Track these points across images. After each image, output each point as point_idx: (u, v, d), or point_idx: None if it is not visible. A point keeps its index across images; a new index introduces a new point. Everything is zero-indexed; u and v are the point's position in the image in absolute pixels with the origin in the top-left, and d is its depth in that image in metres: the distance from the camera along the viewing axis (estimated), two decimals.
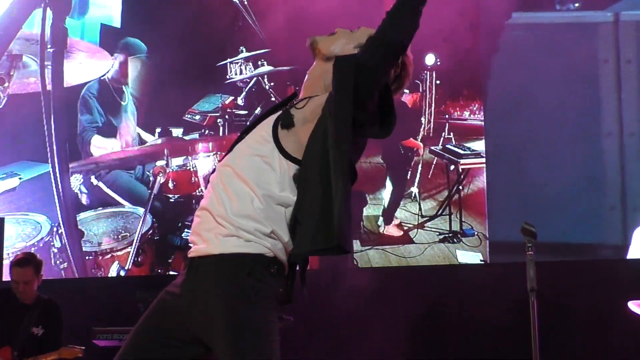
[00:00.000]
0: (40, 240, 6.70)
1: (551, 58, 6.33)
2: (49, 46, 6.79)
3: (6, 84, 6.92)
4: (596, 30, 6.40)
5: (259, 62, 6.80)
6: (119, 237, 6.72)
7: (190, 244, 2.38)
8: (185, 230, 6.58)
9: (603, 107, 6.32)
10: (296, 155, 2.30)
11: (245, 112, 6.80)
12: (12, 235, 6.61)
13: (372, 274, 6.21)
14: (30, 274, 4.88)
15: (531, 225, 3.52)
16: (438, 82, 6.44)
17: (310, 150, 2.29)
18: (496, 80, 6.39)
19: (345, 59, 2.34)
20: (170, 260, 6.65)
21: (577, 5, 6.45)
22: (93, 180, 6.81)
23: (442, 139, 6.43)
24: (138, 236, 6.59)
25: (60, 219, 6.68)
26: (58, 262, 6.67)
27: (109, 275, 6.64)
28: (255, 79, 6.80)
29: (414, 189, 6.43)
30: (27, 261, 4.93)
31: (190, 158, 6.73)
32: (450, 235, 6.30)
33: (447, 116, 6.46)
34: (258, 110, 6.70)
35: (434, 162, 6.42)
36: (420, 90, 6.46)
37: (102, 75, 6.93)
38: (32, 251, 6.48)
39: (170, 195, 6.70)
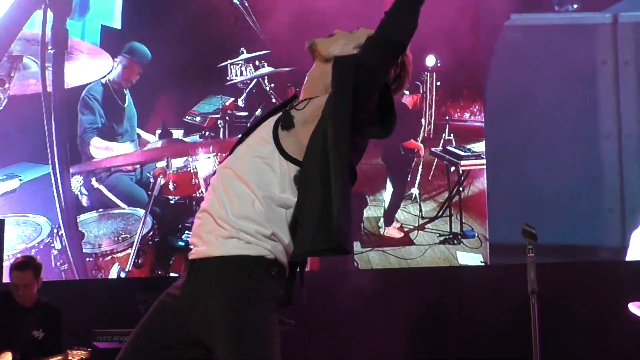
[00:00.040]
0: (40, 242, 6.70)
1: (550, 59, 6.34)
2: (49, 47, 6.79)
3: (6, 85, 6.92)
4: (594, 32, 6.41)
5: (259, 64, 6.80)
6: (120, 238, 6.71)
7: (190, 246, 2.39)
8: (186, 231, 6.58)
9: (601, 109, 6.32)
10: (296, 156, 2.31)
11: (246, 113, 6.80)
12: (12, 237, 6.61)
13: (373, 276, 6.21)
14: (29, 277, 4.86)
15: (532, 227, 3.52)
16: (438, 83, 6.44)
17: (310, 152, 2.29)
18: (496, 81, 6.40)
19: (345, 59, 2.35)
20: (170, 262, 6.65)
21: (575, 6, 6.46)
22: (94, 182, 6.81)
23: (442, 140, 6.43)
24: (138, 238, 6.59)
25: (60, 221, 6.68)
26: (58, 263, 6.67)
27: (110, 277, 6.64)
28: (255, 80, 6.80)
29: (415, 191, 6.43)
30: (26, 264, 4.91)
31: (190, 159, 6.73)
32: (450, 236, 6.30)
33: (447, 117, 6.46)
34: (258, 112, 6.71)
35: (435, 164, 6.42)
36: (421, 91, 6.46)
37: (103, 77, 6.93)
38: (33, 253, 6.49)
39: (171, 197, 6.70)
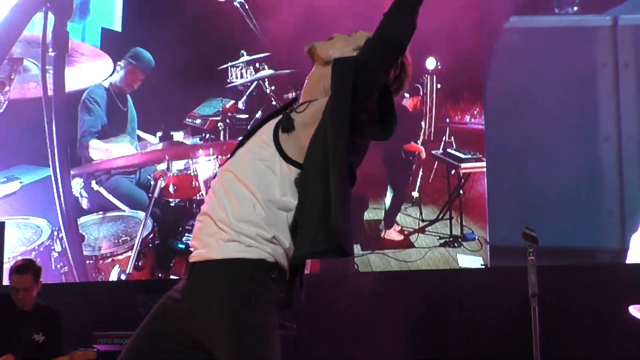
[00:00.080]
0: (40, 245, 6.70)
1: (550, 62, 6.34)
2: (50, 50, 6.79)
3: (7, 88, 6.92)
4: (594, 34, 6.41)
5: (260, 66, 6.80)
6: (120, 241, 6.71)
7: (191, 249, 2.39)
8: (186, 234, 6.58)
9: (601, 111, 6.33)
10: (297, 159, 2.31)
11: (246, 116, 6.80)
12: (12, 240, 6.61)
13: (373, 278, 6.21)
14: (29, 280, 4.86)
15: (532, 230, 3.52)
16: (439, 86, 6.45)
17: (311, 154, 2.29)
18: (496, 83, 6.40)
19: (344, 60, 2.35)
20: (171, 265, 6.65)
21: (575, 9, 6.46)
22: (94, 185, 6.81)
23: (442, 143, 6.43)
24: (139, 240, 6.59)
25: (61, 223, 6.67)
26: (59, 266, 6.67)
27: (110, 279, 6.63)
28: (256, 82, 6.80)
29: (415, 193, 6.43)
30: (26, 268, 4.91)
31: (191, 162, 6.73)
32: (451, 239, 6.30)
33: (447, 120, 6.46)
34: (259, 114, 6.71)
35: (435, 166, 6.42)
36: (421, 94, 6.46)
37: (105, 79, 6.93)
38: (33, 255, 6.49)
39: (171, 200, 6.70)
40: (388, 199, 6.46)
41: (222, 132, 6.80)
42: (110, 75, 6.92)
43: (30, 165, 6.93)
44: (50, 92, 6.77)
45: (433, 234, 6.35)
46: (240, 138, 2.47)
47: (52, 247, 6.69)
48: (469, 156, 6.37)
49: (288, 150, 2.31)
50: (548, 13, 6.49)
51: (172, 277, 6.58)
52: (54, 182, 6.70)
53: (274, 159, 2.31)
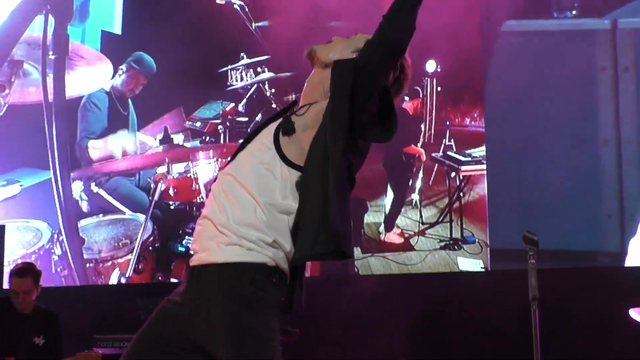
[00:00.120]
0: (41, 248, 6.69)
1: (549, 65, 6.35)
2: (50, 52, 6.78)
3: (7, 91, 6.92)
4: (594, 38, 6.42)
5: (260, 69, 6.80)
6: (120, 244, 6.71)
7: (191, 252, 2.39)
8: (186, 237, 6.58)
9: (601, 114, 6.33)
10: (298, 162, 2.31)
11: (246, 118, 6.80)
12: (13, 243, 6.60)
13: (373, 281, 6.21)
14: (29, 283, 4.86)
15: (533, 233, 3.52)
16: (439, 88, 6.45)
17: (311, 157, 2.29)
18: (495, 86, 6.41)
19: (344, 62, 2.35)
20: (171, 268, 6.64)
21: (574, 12, 6.47)
22: (93, 187, 6.80)
23: (442, 145, 6.43)
24: (139, 243, 6.58)
25: (61, 226, 6.67)
26: (59, 269, 6.66)
27: (110, 282, 6.63)
28: (256, 85, 6.80)
29: (415, 196, 6.43)
30: (26, 271, 4.91)
31: (191, 165, 6.73)
32: (451, 242, 6.30)
33: (447, 123, 6.46)
34: (259, 117, 6.71)
35: (435, 169, 6.42)
36: (421, 96, 6.47)
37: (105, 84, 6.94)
38: (33, 258, 6.48)
39: (171, 202, 6.70)
40: (388, 202, 6.46)
41: (222, 135, 6.80)
42: (112, 79, 6.91)
43: (30, 168, 6.92)
44: (50, 95, 6.76)
45: (433, 237, 6.35)
46: (241, 141, 2.47)
47: (52, 250, 6.69)
48: (469, 159, 6.37)
49: (289, 153, 2.32)
50: (547, 16, 6.50)
51: (172, 280, 6.57)
52: (54, 185, 6.69)
53: (275, 162, 2.31)
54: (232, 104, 6.83)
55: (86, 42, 7.07)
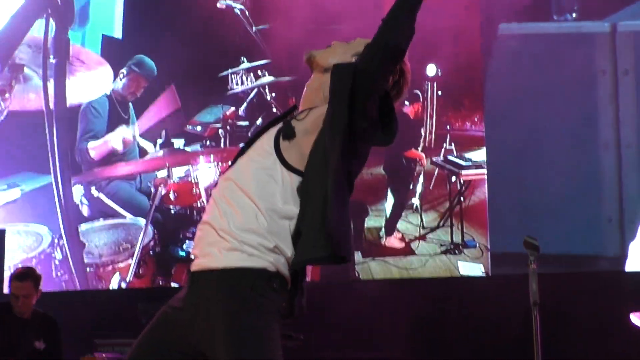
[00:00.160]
0: (41, 252, 6.69)
1: (549, 68, 6.35)
2: (51, 56, 6.78)
3: (7, 95, 6.92)
4: (594, 41, 6.42)
5: (260, 73, 6.81)
6: (120, 248, 6.71)
7: (192, 257, 2.39)
8: (187, 241, 6.58)
9: (601, 118, 6.34)
10: (299, 166, 2.31)
11: (247, 123, 6.80)
12: (13, 247, 6.60)
13: (374, 286, 6.21)
14: (29, 287, 4.87)
15: (534, 238, 3.52)
16: (439, 92, 6.45)
17: (312, 162, 2.29)
18: (495, 90, 6.41)
19: (344, 66, 2.35)
20: (172, 272, 6.64)
21: (574, 15, 6.47)
22: (94, 191, 6.80)
23: (443, 149, 6.43)
24: (139, 248, 6.58)
25: (62, 230, 6.67)
26: (59, 273, 6.66)
27: (110, 287, 6.63)
28: (256, 89, 6.80)
29: (416, 201, 6.43)
30: (26, 275, 4.92)
31: (191, 169, 6.73)
32: (451, 246, 6.30)
33: (448, 127, 6.46)
34: (259, 121, 6.71)
35: (436, 173, 6.42)
36: (421, 100, 6.46)
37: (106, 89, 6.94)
38: (33, 263, 6.49)
39: (172, 207, 6.70)
40: (389, 206, 6.46)
41: (222, 139, 6.80)
42: (113, 82, 6.91)
43: (31, 172, 6.92)
44: (51, 99, 6.76)
45: (434, 241, 6.35)
46: (241, 145, 2.47)
47: (53, 255, 6.68)
48: (470, 163, 6.37)
49: (289, 158, 2.31)
50: (547, 19, 6.50)
51: (173, 284, 6.57)
52: (55, 189, 6.69)
53: (276, 167, 2.31)
54: (233, 108, 6.83)
55: (86, 46, 7.07)
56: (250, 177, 2.32)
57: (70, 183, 6.75)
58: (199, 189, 6.60)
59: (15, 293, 4.88)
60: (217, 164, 6.68)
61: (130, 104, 6.91)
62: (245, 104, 6.82)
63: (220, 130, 6.81)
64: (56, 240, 6.69)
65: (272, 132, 2.37)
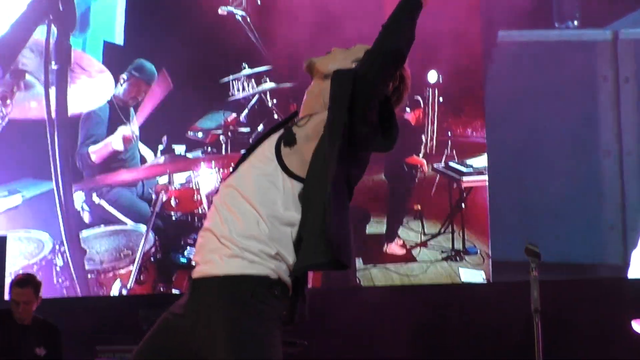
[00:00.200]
0: (42, 259, 6.68)
1: (551, 75, 6.35)
2: (53, 62, 6.78)
3: (8, 101, 6.92)
4: (595, 48, 6.42)
5: (262, 79, 6.81)
6: (121, 255, 6.70)
7: (193, 263, 2.39)
8: (188, 248, 6.57)
9: (602, 125, 6.34)
10: (300, 173, 2.31)
11: (248, 129, 6.80)
12: (14, 253, 6.60)
13: (375, 293, 6.20)
14: (30, 294, 4.86)
15: (535, 245, 3.52)
16: (440, 99, 6.45)
17: (313, 168, 2.29)
18: (497, 97, 6.41)
19: (344, 72, 2.36)
20: (173, 279, 6.63)
21: (576, 23, 6.48)
22: (95, 198, 6.80)
23: (444, 156, 6.43)
24: (140, 254, 6.57)
25: (63, 237, 6.66)
26: (60, 280, 6.65)
27: (111, 293, 6.62)
28: (257, 96, 6.81)
29: (417, 207, 6.42)
30: (27, 281, 4.92)
31: (192, 175, 6.72)
32: (453, 253, 6.29)
33: (449, 133, 6.46)
34: (261, 128, 6.71)
35: (437, 180, 6.42)
36: (422, 107, 6.47)
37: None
38: (35, 269, 6.48)
39: (173, 213, 6.69)
40: (390, 213, 6.46)
41: (223, 146, 6.80)
42: (115, 88, 6.92)
43: (32, 179, 6.92)
44: (53, 105, 6.76)
45: (435, 247, 6.35)
46: (243, 151, 2.47)
47: (54, 261, 6.68)
48: (471, 170, 6.37)
49: (290, 164, 2.32)
50: (549, 27, 6.51)
51: (174, 291, 6.56)
52: (56, 196, 6.69)
53: (277, 173, 2.31)
54: (234, 114, 6.84)
55: (87, 52, 7.07)
56: (252, 183, 2.32)
57: (71, 189, 6.74)
58: (200, 196, 6.60)
59: (16, 299, 4.87)
60: (219, 170, 6.68)
61: (132, 109, 6.91)
62: (246, 110, 6.83)
63: (221, 137, 6.81)
64: (57, 247, 6.68)
65: (274, 138, 2.38)
